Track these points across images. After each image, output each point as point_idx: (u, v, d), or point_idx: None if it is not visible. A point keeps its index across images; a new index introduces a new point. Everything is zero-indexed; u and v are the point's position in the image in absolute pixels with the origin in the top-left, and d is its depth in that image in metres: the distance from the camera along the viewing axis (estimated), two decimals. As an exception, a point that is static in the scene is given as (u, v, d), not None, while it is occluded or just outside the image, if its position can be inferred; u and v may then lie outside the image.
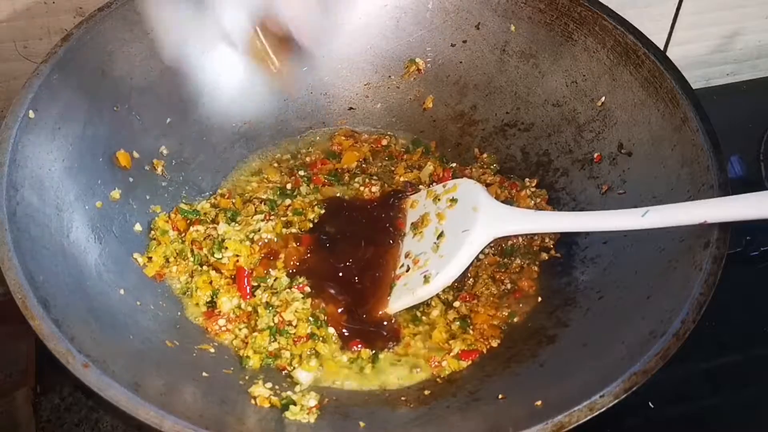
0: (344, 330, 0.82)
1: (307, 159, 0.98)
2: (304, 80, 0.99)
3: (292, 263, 0.86)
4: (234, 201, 0.91)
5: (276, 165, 0.98)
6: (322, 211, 0.92)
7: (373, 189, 0.95)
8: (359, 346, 0.81)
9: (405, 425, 0.72)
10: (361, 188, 0.96)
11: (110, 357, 0.65)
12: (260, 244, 0.87)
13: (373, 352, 0.81)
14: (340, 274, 0.86)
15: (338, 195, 0.95)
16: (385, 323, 0.83)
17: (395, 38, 1.01)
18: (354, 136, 1.01)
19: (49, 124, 0.77)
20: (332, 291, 0.84)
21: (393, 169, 0.98)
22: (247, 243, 0.86)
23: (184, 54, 0.91)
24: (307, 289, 0.84)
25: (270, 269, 0.86)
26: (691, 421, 0.87)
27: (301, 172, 0.96)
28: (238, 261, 0.85)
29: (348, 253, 0.88)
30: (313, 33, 0.79)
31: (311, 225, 0.91)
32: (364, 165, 0.98)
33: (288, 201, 0.92)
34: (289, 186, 0.94)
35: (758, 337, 0.94)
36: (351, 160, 0.98)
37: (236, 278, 0.84)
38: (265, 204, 0.91)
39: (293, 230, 0.89)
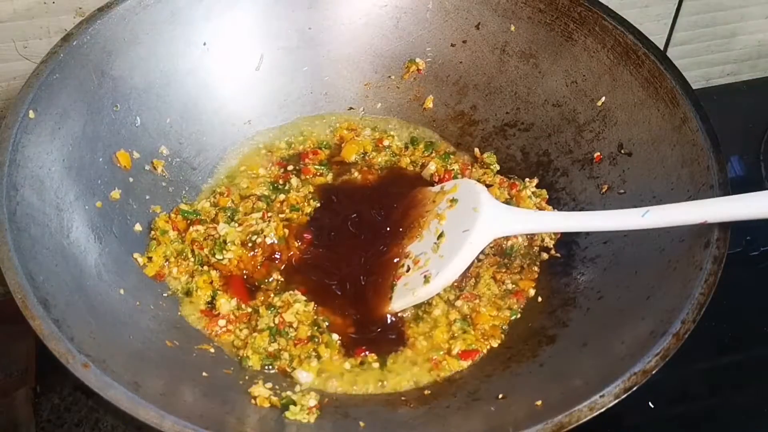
0: (350, 338, 0.82)
1: (300, 148, 0.98)
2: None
3: (294, 264, 0.87)
4: (233, 199, 0.91)
5: (268, 154, 0.97)
6: (318, 204, 0.92)
7: (370, 177, 0.95)
8: (365, 353, 0.81)
9: (405, 425, 0.72)
10: (357, 175, 0.96)
11: (110, 357, 0.65)
12: (262, 247, 0.86)
13: (380, 356, 0.81)
14: (342, 275, 0.86)
15: (329, 182, 0.95)
16: (390, 320, 0.83)
17: (395, 38, 1.01)
18: (356, 130, 1.01)
19: (49, 124, 0.77)
20: (334, 293, 0.85)
21: (396, 162, 0.98)
22: (249, 245, 0.86)
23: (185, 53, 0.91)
24: (303, 297, 0.84)
25: (272, 271, 0.86)
26: (691, 421, 0.87)
27: (290, 167, 0.96)
28: (239, 262, 0.85)
29: (348, 252, 0.88)
30: None
31: (308, 218, 0.91)
32: (366, 158, 0.98)
33: (282, 196, 0.92)
34: (280, 181, 0.94)
35: (758, 337, 0.94)
36: (351, 152, 0.98)
37: (230, 284, 0.84)
38: (261, 200, 0.91)
39: (293, 225, 0.89)
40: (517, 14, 0.95)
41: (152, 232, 0.86)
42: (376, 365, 0.80)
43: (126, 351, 0.70)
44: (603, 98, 0.90)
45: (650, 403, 0.86)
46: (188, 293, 0.84)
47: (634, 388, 0.64)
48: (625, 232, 0.81)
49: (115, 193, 0.84)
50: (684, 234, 0.75)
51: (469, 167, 0.97)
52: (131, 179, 0.86)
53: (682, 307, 0.68)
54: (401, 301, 0.83)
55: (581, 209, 0.90)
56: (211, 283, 0.85)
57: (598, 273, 0.83)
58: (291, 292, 0.83)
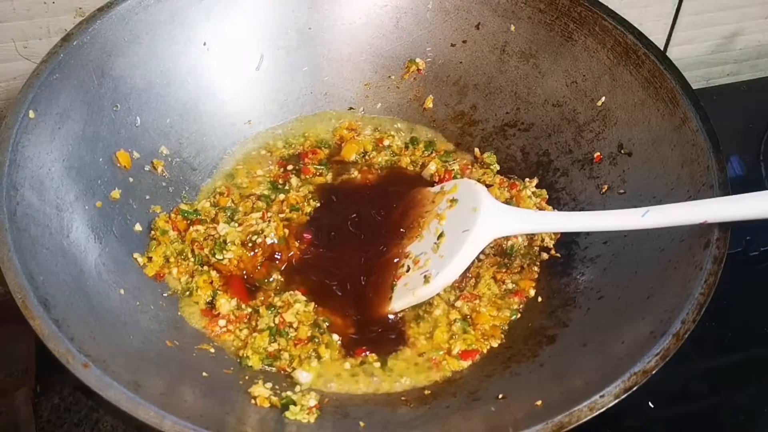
0: (351, 338, 0.82)
1: (300, 148, 0.98)
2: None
3: (294, 264, 0.87)
4: (233, 199, 0.91)
5: (268, 154, 0.97)
6: (318, 204, 0.92)
7: (369, 177, 0.95)
8: (366, 353, 0.81)
9: (405, 425, 0.72)
10: (357, 174, 0.96)
11: (110, 357, 0.65)
12: (262, 247, 0.86)
13: (381, 356, 0.81)
14: (342, 275, 0.86)
15: (329, 182, 0.96)
16: (390, 320, 0.83)
17: (395, 38, 1.01)
18: (356, 130, 1.01)
19: (49, 124, 0.77)
20: (335, 293, 0.85)
21: (396, 162, 0.98)
22: (249, 245, 0.86)
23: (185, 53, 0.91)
24: (304, 297, 0.84)
25: (272, 271, 0.86)
26: (691, 421, 0.87)
27: (290, 166, 0.96)
28: (239, 262, 0.85)
29: (348, 252, 0.88)
30: None
31: (308, 218, 0.91)
32: (366, 158, 0.98)
33: (282, 196, 0.92)
34: (280, 180, 0.94)
35: (758, 337, 0.94)
36: (351, 152, 0.98)
37: (230, 284, 0.84)
38: (261, 200, 0.91)
39: (292, 225, 0.89)
40: (517, 14, 0.95)
41: (152, 232, 0.86)
42: (376, 365, 0.80)
43: (126, 351, 0.70)
44: (603, 98, 0.90)
45: (650, 403, 0.86)
46: (188, 293, 0.84)
47: (634, 388, 0.64)
48: (625, 232, 0.81)
49: (115, 193, 0.84)
50: (684, 234, 0.75)
51: (469, 167, 0.97)
52: (131, 179, 0.86)
53: (682, 307, 0.68)
54: (401, 301, 0.83)
55: (581, 209, 0.90)
56: (211, 283, 0.85)
57: (598, 273, 0.83)
58: (291, 292, 0.83)
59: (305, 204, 0.92)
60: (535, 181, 0.94)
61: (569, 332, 0.79)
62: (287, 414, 0.72)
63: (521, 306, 0.85)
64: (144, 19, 0.87)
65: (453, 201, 0.87)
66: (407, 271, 0.85)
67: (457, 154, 0.99)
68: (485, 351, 0.81)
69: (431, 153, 0.99)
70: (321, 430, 0.71)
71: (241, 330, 0.81)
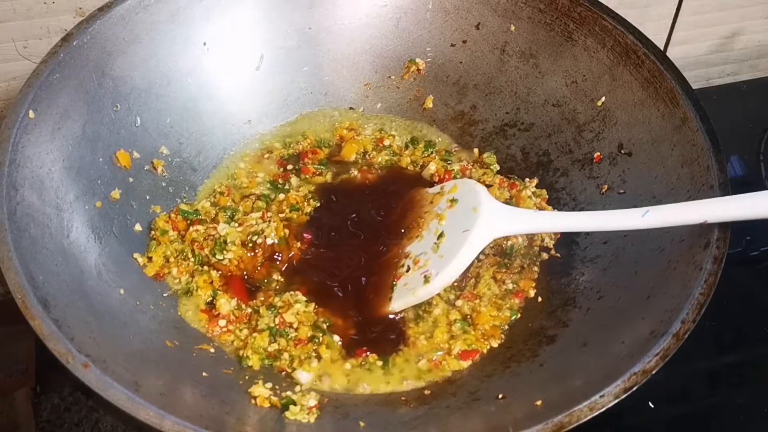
0: (351, 339, 0.82)
1: (300, 148, 0.98)
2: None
3: (294, 265, 0.87)
4: (233, 198, 0.91)
5: (267, 155, 0.97)
6: (318, 204, 0.92)
7: (369, 176, 0.96)
8: (367, 353, 0.81)
9: (405, 425, 0.72)
10: (357, 174, 0.96)
11: (110, 357, 0.65)
12: (263, 247, 0.86)
13: (381, 356, 0.81)
14: (343, 276, 0.86)
15: (329, 182, 0.96)
16: (391, 319, 0.83)
17: (395, 38, 1.01)
18: (356, 130, 1.01)
19: (49, 124, 0.77)
20: (335, 294, 0.85)
21: (396, 162, 0.98)
22: (249, 245, 0.86)
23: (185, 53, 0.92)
24: (304, 298, 0.84)
25: (272, 272, 0.86)
26: (691, 421, 0.87)
27: (290, 166, 0.96)
28: (239, 263, 0.85)
29: (349, 252, 0.88)
30: None
31: (308, 218, 0.91)
32: (365, 158, 0.98)
33: (282, 196, 0.92)
34: (280, 180, 0.95)
35: (758, 337, 0.94)
36: (351, 151, 0.98)
37: (230, 284, 0.84)
38: (261, 200, 0.91)
39: (293, 225, 0.89)
40: (517, 14, 0.95)
41: (152, 232, 0.86)
42: (376, 365, 0.80)
43: (126, 351, 0.70)
44: (603, 98, 0.90)
45: (650, 403, 0.86)
46: (188, 293, 0.84)
47: (634, 388, 0.64)
48: (625, 232, 0.81)
49: (115, 193, 0.84)
50: (684, 234, 0.75)
51: (469, 167, 0.97)
52: (131, 179, 0.86)
53: (682, 307, 0.68)
54: (401, 301, 0.83)
55: (581, 209, 0.90)
56: (212, 283, 0.85)
57: (598, 273, 0.83)
58: (291, 292, 0.83)
59: (305, 204, 0.92)
60: (535, 181, 0.94)
61: (569, 332, 0.79)
62: (287, 414, 0.72)
63: (521, 306, 0.85)
64: (144, 19, 0.87)
65: (453, 201, 0.87)
66: (407, 271, 0.85)
67: (457, 154, 0.99)
68: (485, 351, 0.81)
69: (431, 153, 0.99)
70: (321, 430, 0.71)
71: (241, 330, 0.81)
